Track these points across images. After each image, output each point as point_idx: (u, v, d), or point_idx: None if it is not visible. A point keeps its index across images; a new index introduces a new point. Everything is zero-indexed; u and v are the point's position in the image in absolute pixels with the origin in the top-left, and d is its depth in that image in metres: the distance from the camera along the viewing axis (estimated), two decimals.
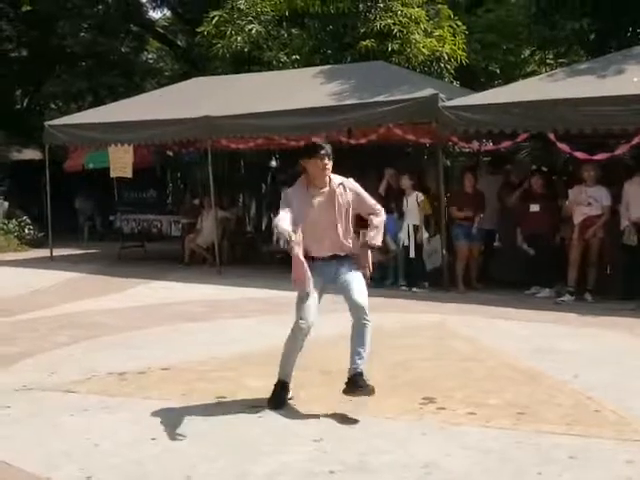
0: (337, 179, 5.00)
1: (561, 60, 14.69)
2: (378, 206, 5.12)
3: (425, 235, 10.10)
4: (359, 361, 4.85)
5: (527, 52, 15.79)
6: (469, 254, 10.16)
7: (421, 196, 10.14)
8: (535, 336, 7.19)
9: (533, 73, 14.43)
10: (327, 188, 4.95)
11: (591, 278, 9.14)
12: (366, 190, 5.13)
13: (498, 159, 11.75)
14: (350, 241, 5.00)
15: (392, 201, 10.42)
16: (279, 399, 4.95)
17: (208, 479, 3.82)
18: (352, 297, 4.86)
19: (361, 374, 4.83)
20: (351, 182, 5.05)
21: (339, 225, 4.93)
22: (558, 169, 12.06)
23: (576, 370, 5.78)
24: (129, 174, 13.64)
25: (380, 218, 5.07)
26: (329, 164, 4.93)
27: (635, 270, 9.04)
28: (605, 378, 5.58)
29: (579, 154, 9.22)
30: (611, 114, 8.59)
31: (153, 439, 4.40)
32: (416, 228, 10.13)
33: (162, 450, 4.24)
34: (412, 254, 10.17)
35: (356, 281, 4.93)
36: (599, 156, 9.12)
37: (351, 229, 5.00)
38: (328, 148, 4.97)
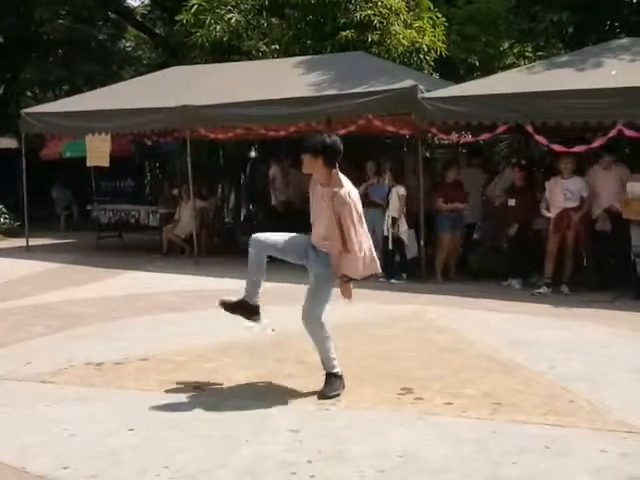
0: (338, 185, 4.81)
1: (540, 53, 14.76)
2: (349, 243, 4.82)
3: (404, 227, 10.12)
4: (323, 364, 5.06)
5: (506, 45, 15.85)
6: (451, 245, 10.21)
7: (402, 190, 10.15)
8: (512, 327, 7.25)
9: (512, 66, 14.46)
10: (327, 188, 4.87)
11: (567, 270, 9.22)
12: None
13: (474, 151, 11.82)
14: (329, 245, 4.93)
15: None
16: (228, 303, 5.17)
17: (186, 469, 3.81)
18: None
19: (328, 374, 5.03)
20: (346, 196, 4.78)
21: (324, 224, 4.89)
22: (536, 162, 12.13)
23: (552, 361, 5.84)
24: (106, 163, 13.52)
25: (348, 255, 4.84)
26: (305, 162, 4.88)
27: (609, 259, 9.13)
28: (580, 369, 5.64)
29: (556, 146, 9.28)
30: (589, 107, 8.65)
31: (130, 430, 4.38)
32: (394, 220, 10.15)
33: (140, 440, 4.22)
34: (390, 246, 10.20)
35: (311, 288, 5.02)
36: (576, 148, 9.19)
37: (337, 236, 4.84)
38: (308, 144, 4.84)
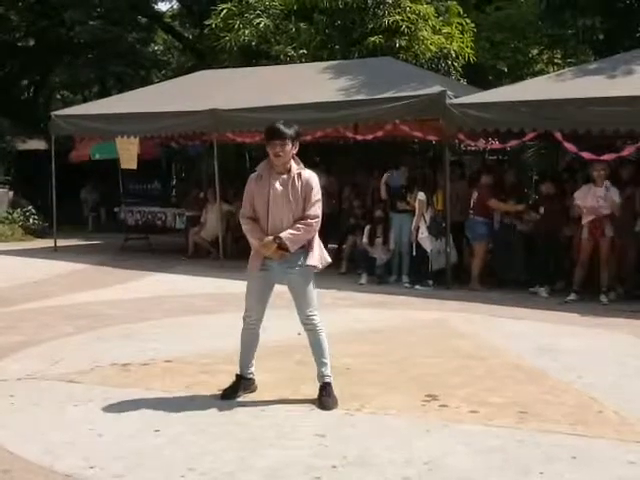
0: (297, 168, 4.83)
1: (569, 60, 14.66)
2: (313, 215, 4.81)
3: (425, 234, 10.02)
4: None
5: (535, 51, 15.76)
6: (486, 252, 10.14)
7: (421, 195, 10.10)
8: (538, 335, 7.18)
9: (541, 72, 14.39)
10: (286, 175, 4.82)
11: (604, 278, 9.05)
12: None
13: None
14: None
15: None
16: (228, 390, 5.05)
17: (210, 472, 3.82)
18: None
19: (328, 385, 4.96)
20: (310, 177, 4.84)
21: (290, 216, 4.80)
22: (560, 171, 12.01)
23: (579, 370, 5.78)
24: (134, 166, 13.65)
25: (302, 226, 4.77)
26: (281, 152, 4.74)
27: None
28: (608, 379, 5.58)
29: (586, 154, 9.20)
30: (619, 115, 8.56)
31: (156, 430, 4.41)
32: (417, 227, 10.11)
33: (165, 442, 4.25)
34: (414, 252, 10.16)
35: (297, 292, 4.92)
36: (605, 157, 9.09)
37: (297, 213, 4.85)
38: (287, 133, 4.74)
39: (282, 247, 4.78)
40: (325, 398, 4.86)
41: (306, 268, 4.85)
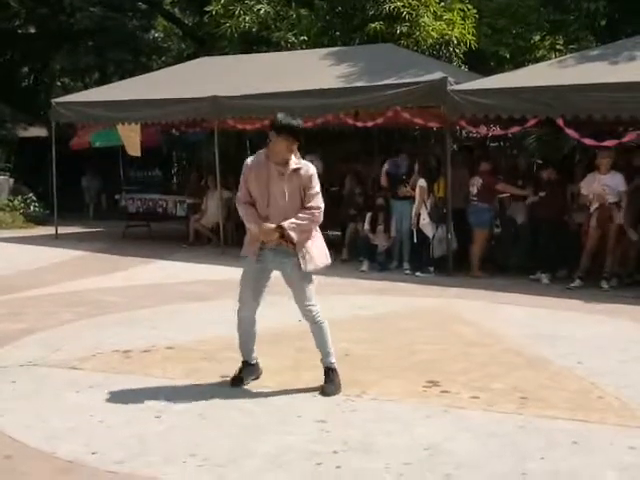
0: (296, 160, 4.79)
1: (571, 46, 14.57)
2: (315, 206, 4.79)
3: (426, 220, 10.02)
4: None
5: (537, 37, 15.65)
6: (488, 239, 10.14)
7: (422, 182, 10.08)
8: (540, 321, 7.19)
9: (543, 58, 14.29)
10: (282, 167, 4.76)
11: (608, 265, 9.03)
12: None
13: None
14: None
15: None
16: (236, 378, 5.05)
17: (212, 458, 3.83)
18: None
19: (331, 369, 4.97)
20: (309, 169, 4.80)
21: (286, 208, 4.75)
22: (562, 156, 12.00)
23: (580, 356, 5.78)
24: (138, 153, 13.66)
25: (305, 216, 4.75)
26: (293, 145, 4.73)
27: None
28: (609, 365, 5.58)
29: (588, 140, 9.17)
30: (621, 101, 8.53)
31: (157, 417, 4.42)
32: (418, 213, 10.11)
33: (166, 428, 4.26)
34: (415, 239, 10.16)
35: (295, 283, 4.89)
36: (607, 143, 9.06)
37: (297, 205, 4.81)
38: (300, 128, 4.76)
39: (284, 236, 4.73)
40: (327, 385, 4.87)
41: (305, 272, 4.81)
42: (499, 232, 10.83)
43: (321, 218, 4.85)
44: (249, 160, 4.92)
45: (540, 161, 10.75)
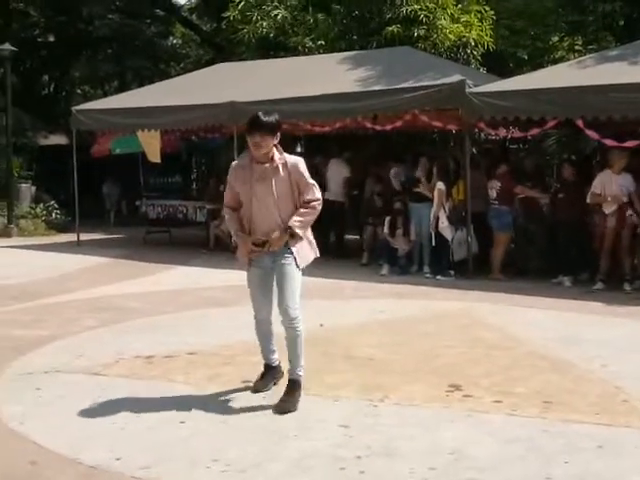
0: (280, 156, 4.62)
1: (590, 47, 14.50)
2: (313, 198, 4.67)
3: (445, 223, 10.00)
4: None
5: (556, 38, 15.60)
6: (509, 242, 10.09)
7: (441, 185, 10.07)
8: (563, 325, 7.14)
9: (562, 60, 14.24)
10: (268, 165, 4.60)
11: (626, 266, 8.98)
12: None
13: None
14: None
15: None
16: (258, 383, 5.00)
17: (236, 463, 3.84)
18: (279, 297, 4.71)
19: (294, 382, 4.76)
20: (297, 163, 4.66)
21: (277, 207, 4.62)
22: (583, 157, 11.92)
23: (604, 359, 5.74)
24: (159, 159, 13.77)
25: (307, 210, 4.64)
26: (262, 142, 4.51)
27: None
28: (633, 368, 5.53)
29: (608, 141, 9.11)
30: None
31: (181, 422, 4.43)
32: (437, 217, 10.09)
33: (189, 433, 4.27)
34: (434, 242, 10.14)
35: (283, 282, 4.68)
36: (628, 143, 8.99)
37: (290, 203, 4.67)
38: (267, 123, 4.51)
39: (292, 234, 4.65)
40: (285, 400, 4.62)
41: (297, 270, 4.69)
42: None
43: (319, 209, 4.73)
44: (234, 162, 4.82)
45: (560, 161, 10.66)
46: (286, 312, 4.64)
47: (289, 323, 4.65)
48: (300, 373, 4.73)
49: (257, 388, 4.98)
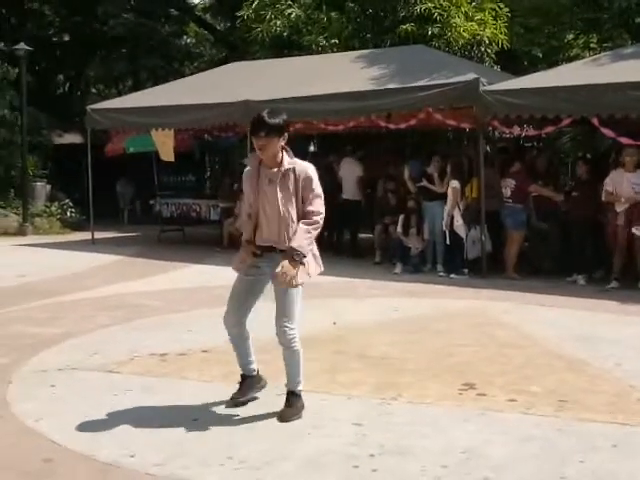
0: (290, 160, 4.38)
1: (605, 44, 14.41)
2: (316, 211, 4.36)
3: (459, 222, 9.98)
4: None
5: (570, 36, 15.52)
6: (522, 241, 10.07)
7: (455, 183, 10.05)
8: (577, 323, 7.11)
9: (577, 57, 14.18)
10: (276, 169, 4.37)
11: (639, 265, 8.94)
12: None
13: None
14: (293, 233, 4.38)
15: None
16: (236, 394, 4.74)
17: (249, 460, 3.85)
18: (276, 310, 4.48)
19: (292, 393, 4.55)
20: (307, 169, 4.38)
21: (281, 213, 4.36)
22: (599, 155, 11.87)
23: (618, 358, 5.71)
24: (172, 158, 13.81)
25: (308, 227, 4.33)
26: (267, 144, 4.26)
27: None
28: None
29: (624, 139, 9.06)
30: None
31: (194, 420, 4.45)
32: (451, 215, 10.06)
33: (203, 431, 4.28)
34: (447, 240, 10.12)
35: (282, 294, 4.42)
36: None
37: (294, 211, 4.39)
38: (271, 124, 4.25)
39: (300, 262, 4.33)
40: (286, 409, 4.47)
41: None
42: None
43: (322, 224, 4.43)
44: (245, 169, 4.57)
45: (575, 159, 10.62)
46: (284, 333, 4.41)
47: (287, 344, 4.44)
48: (299, 388, 4.55)
49: (234, 397, 4.70)
